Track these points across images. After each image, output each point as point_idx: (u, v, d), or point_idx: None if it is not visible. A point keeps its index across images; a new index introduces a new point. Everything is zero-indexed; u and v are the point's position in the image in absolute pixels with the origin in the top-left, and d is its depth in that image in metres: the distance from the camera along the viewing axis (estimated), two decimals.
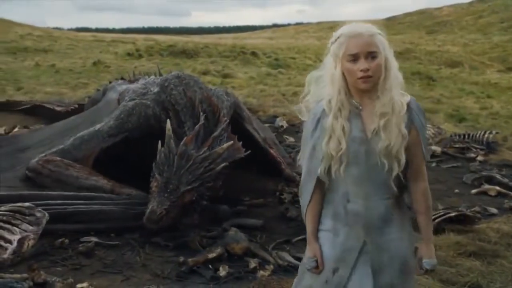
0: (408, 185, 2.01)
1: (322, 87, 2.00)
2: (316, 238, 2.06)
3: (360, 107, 1.94)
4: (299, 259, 3.89)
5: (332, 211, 2.03)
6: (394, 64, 1.94)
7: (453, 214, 4.69)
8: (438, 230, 4.55)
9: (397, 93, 1.92)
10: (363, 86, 1.89)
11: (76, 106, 8.21)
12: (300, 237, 4.23)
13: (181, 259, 3.76)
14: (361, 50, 1.86)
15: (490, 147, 8.01)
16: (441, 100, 13.41)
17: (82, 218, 4.28)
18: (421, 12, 51.59)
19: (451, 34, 40.49)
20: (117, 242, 4.09)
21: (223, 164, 4.50)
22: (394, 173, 1.91)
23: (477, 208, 5.31)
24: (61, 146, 4.92)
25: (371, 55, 1.87)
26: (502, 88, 17.47)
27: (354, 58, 1.87)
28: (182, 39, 30.18)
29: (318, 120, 1.98)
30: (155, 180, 4.22)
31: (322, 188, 2.04)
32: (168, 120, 4.59)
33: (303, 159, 2.07)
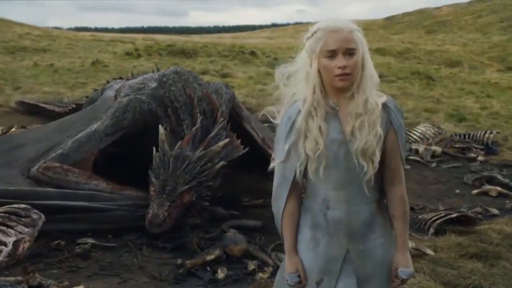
0: (384, 188, 1.92)
1: (296, 86, 1.89)
2: (296, 251, 1.94)
3: (337, 108, 1.84)
4: None
5: (311, 219, 1.92)
6: (370, 63, 1.84)
7: (454, 215, 4.64)
8: (439, 231, 4.51)
9: (373, 93, 1.83)
10: (340, 84, 1.79)
11: (74, 106, 8.16)
12: None
13: (179, 261, 3.70)
14: (340, 46, 1.76)
15: (490, 150, 7.94)
16: (441, 99, 13.35)
17: (82, 220, 4.23)
18: (420, 12, 51.60)
19: (450, 34, 40.50)
20: (114, 244, 4.04)
21: (221, 163, 4.45)
22: (367, 176, 1.81)
23: (478, 209, 5.26)
24: (60, 151, 4.85)
25: (349, 52, 1.77)
26: (502, 88, 17.41)
27: (332, 54, 1.77)
28: (181, 38, 30.14)
29: (293, 123, 1.86)
30: (152, 185, 4.18)
31: (298, 194, 1.93)
32: (160, 126, 4.52)
33: (276, 163, 1.92)
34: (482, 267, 3.85)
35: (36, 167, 4.68)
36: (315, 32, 1.82)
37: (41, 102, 9.32)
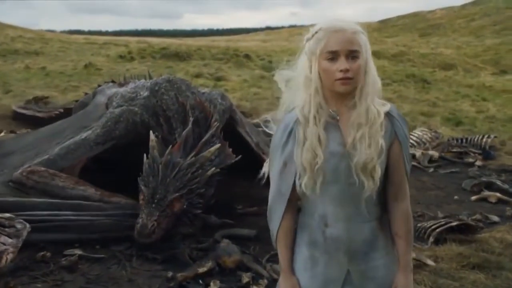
0: (387, 204, 1.78)
1: (294, 91, 1.76)
2: (292, 271, 1.81)
3: (337, 117, 1.70)
4: None
5: (308, 237, 1.78)
6: (373, 68, 1.71)
7: (454, 224, 4.51)
8: (439, 240, 4.38)
9: (375, 101, 1.70)
10: (341, 88, 1.65)
11: (62, 110, 7.97)
12: None
13: (170, 274, 3.55)
14: (342, 48, 1.63)
15: (487, 155, 7.82)
16: (437, 103, 13.27)
17: (70, 229, 4.08)
18: (414, 15, 51.78)
19: (444, 37, 40.65)
20: (102, 255, 3.87)
21: (213, 169, 4.31)
22: (368, 193, 1.67)
23: (478, 216, 5.13)
24: (46, 156, 4.71)
25: (352, 54, 1.64)
26: (497, 91, 17.37)
27: (333, 56, 1.64)
28: (175, 41, 30.01)
29: (290, 132, 1.72)
30: (141, 194, 4.02)
31: (295, 210, 1.80)
32: (151, 132, 4.38)
33: (271, 176, 1.79)
34: (485, 279, 3.72)
35: (19, 170, 4.51)
36: (316, 32, 1.69)
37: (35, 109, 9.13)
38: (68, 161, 4.65)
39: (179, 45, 25.09)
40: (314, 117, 1.68)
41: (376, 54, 25.57)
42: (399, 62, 25.30)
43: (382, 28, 46.21)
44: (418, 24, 46.90)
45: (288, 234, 1.80)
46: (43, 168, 4.53)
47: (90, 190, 4.47)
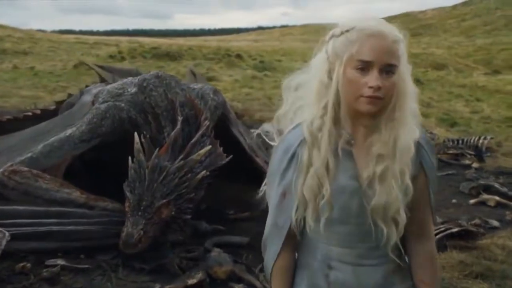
0: (407, 244, 1.46)
1: (302, 100, 1.43)
2: None
3: (352, 141, 1.38)
4: None
5: (308, 280, 1.47)
6: (410, 87, 1.37)
7: (455, 230, 4.34)
8: (439, 246, 4.20)
9: (407, 129, 1.35)
10: (366, 108, 1.31)
11: (39, 112, 7.68)
12: None
13: (158, 286, 3.35)
14: (378, 59, 1.29)
15: (480, 156, 7.68)
16: (431, 103, 13.15)
17: (53, 237, 3.87)
18: (405, 15, 52.00)
19: (436, 37, 40.82)
20: (86, 266, 3.65)
21: (203, 173, 4.11)
22: (392, 241, 1.37)
23: (477, 221, 4.97)
24: (29, 154, 4.50)
25: (388, 69, 1.30)
26: (490, 91, 17.32)
27: (365, 66, 1.30)
28: (166, 41, 29.82)
29: (293, 157, 1.41)
30: (127, 200, 3.81)
31: (294, 246, 1.50)
32: (135, 133, 4.18)
33: (269, 205, 1.49)
34: None
35: (1, 170, 4.29)
36: (347, 30, 1.33)
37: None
38: (52, 160, 4.43)
39: (170, 45, 24.91)
40: (323, 137, 1.35)
41: None
42: None
43: None
44: (409, 24, 47.03)
45: (284, 274, 1.50)
46: (26, 169, 4.30)
47: (75, 193, 4.25)
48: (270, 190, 1.48)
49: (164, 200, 3.80)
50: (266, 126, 1.57)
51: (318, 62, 1.39)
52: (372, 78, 1.29)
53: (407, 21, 48.35)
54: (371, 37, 1.30)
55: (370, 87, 1.29)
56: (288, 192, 1.41)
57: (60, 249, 3.82)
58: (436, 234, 4.21)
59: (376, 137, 1.35)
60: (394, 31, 1.33)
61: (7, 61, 18.63)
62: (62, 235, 3.89)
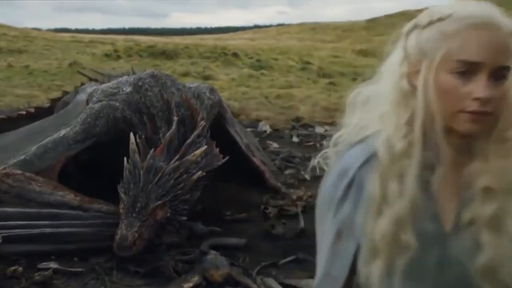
0: None
1: (372, 111, 1.08)
2: None
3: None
4: (287, 286, 3.47)
5: None
6: None
7: None
8: None
9: None
10: (467, 127, 0.94)
11: (33, 110, 7.60)
12: (287, 259, 3.85)
13: None
14: (490, 60, 0.92)
15: None
16: None
17: (45, 240, 3.81)
18: (402, 14, 51.95)
19: None
20: (80, 269, 3.59)
21: (198, 173, 4.06)
22: None
23: None
24: (22, 157, 4.44)
25: (500, 73, 0.93)
26: None
27: (469, 70, 0.93)
28: (162, 40, 29.68)
29: (352, 182, 1.03)
30: (121, 202, 3.75)
31: None
32: (131, 134, 4.11)
33: (318, 245, 1.11)
34: None
35: None
36: (440, 19, 0.97)
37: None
38: (46, 162, 4.39)
39: (166, 44, 24.78)
40: (413, 167, 0.97)
41: (364, 53, 25.52)
42: None
43: (370, 27, 46.25)
44: (406, 22, 47.10)
45: None
46: (19, 171, 4.26)
47: (69, 196, 4.21)
48: (321, 225, 1.10)
49: (159, 202, 3.74)
50: (324, 152, 1.18)
51: (393, 64, 1.05)
52: (480, 87, 0.92)
53: (404, 19, 47.56)
54: (478, 29, 0.93)
55: (476, 99, 0.93)
56: (347, 231, 1.04)
57: (53, 252, 3.76)
58: None
59: (479, 165, 0.98)
60: (508, 21, 0.96)
61: (1, 60, 18.47)
62: (55, 238, 3.84)
